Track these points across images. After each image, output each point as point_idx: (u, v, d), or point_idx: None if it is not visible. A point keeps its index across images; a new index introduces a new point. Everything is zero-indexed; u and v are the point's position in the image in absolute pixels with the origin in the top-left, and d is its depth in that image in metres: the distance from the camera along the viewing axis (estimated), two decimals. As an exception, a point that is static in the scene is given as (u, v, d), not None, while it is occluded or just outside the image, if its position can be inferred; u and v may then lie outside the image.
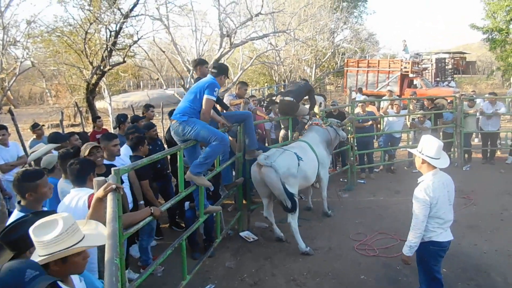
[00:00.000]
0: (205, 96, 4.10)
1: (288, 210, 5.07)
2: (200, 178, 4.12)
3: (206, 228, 5.19)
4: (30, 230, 1.83)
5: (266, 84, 24.61)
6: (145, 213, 3.15)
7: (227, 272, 4.77)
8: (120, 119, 6.46)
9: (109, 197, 2.10)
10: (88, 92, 11.12)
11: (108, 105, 15.06)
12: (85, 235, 1.94)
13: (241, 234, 5.68)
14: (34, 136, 6.38)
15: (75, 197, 2.93)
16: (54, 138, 5.06)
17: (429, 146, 3.31)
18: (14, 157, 5.51)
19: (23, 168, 2.76)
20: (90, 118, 13.63)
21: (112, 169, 2.58)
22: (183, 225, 5.82)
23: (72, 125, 16.54)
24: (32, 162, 4.43)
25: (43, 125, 6.73)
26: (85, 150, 3.82)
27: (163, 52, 12.83)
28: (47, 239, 1.79)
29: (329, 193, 7.32)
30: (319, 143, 6.18)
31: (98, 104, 17.81)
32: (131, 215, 3.04)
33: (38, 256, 1.83)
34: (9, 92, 13.24)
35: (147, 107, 7.17)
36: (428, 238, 3.41)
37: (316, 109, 6.91)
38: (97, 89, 12.25)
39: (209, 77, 4.30)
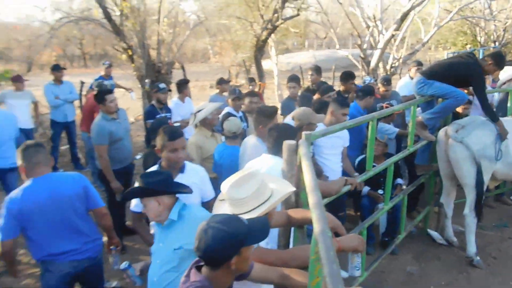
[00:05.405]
0: None
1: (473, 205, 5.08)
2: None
3: (391, 219, 5.15)
4: (225, 189, 2.15)
5: (467, 46, 21.88)
6: (340, 183, 3.57)
7: (408, 278, 5.04)
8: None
9: (304, 163, 2.26)
10: (256, 50, 11.99)
11: (274, 65, 16.00)
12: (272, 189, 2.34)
13: (430, 232, 5.76)
14: (217, 91, 7.96)
15: (266, 163, 3.28)
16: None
17: None
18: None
19: None
20: (257, 78, 14.68)
21: (303, 133, 2.76)
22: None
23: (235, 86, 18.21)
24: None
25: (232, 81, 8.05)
26: None
27: (340, 3, 12.77)
28: (248, 193, 2.18)
29: None
30: None
31: (263, 64, 19.06)
32: (326, 184, 3.63)
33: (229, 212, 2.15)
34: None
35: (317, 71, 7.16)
36: None
37: None
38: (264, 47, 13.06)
39: None
